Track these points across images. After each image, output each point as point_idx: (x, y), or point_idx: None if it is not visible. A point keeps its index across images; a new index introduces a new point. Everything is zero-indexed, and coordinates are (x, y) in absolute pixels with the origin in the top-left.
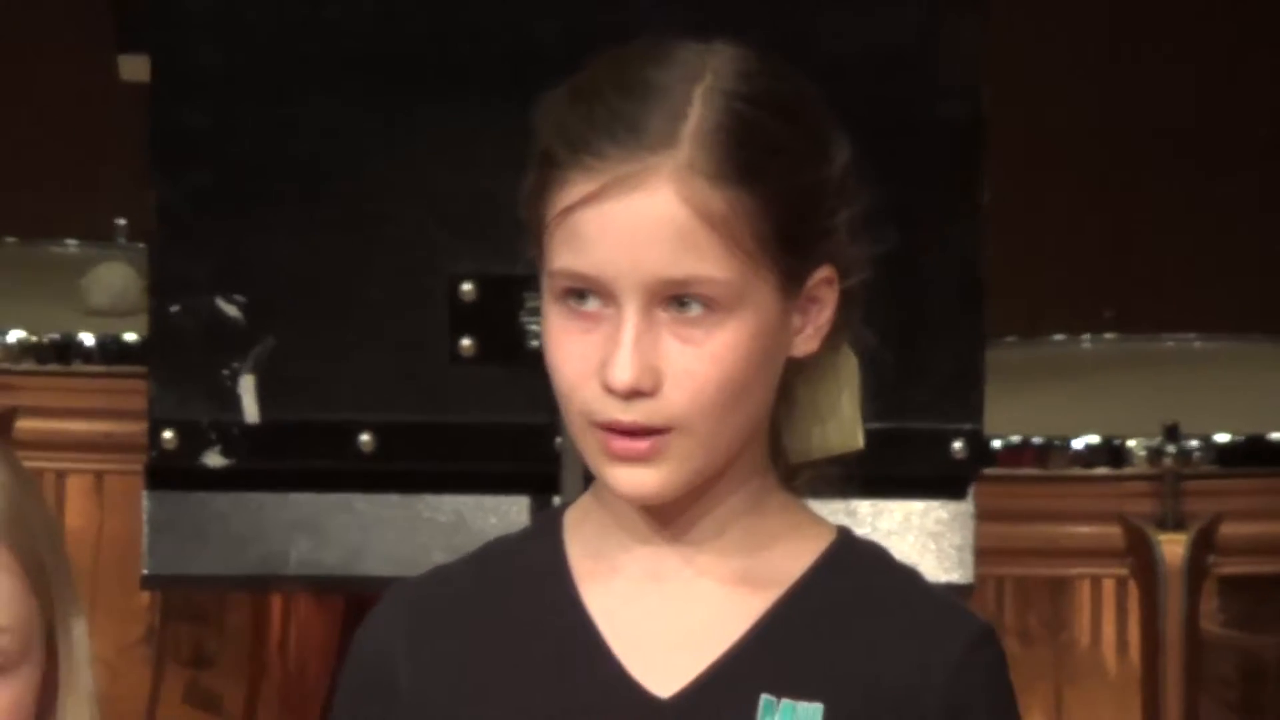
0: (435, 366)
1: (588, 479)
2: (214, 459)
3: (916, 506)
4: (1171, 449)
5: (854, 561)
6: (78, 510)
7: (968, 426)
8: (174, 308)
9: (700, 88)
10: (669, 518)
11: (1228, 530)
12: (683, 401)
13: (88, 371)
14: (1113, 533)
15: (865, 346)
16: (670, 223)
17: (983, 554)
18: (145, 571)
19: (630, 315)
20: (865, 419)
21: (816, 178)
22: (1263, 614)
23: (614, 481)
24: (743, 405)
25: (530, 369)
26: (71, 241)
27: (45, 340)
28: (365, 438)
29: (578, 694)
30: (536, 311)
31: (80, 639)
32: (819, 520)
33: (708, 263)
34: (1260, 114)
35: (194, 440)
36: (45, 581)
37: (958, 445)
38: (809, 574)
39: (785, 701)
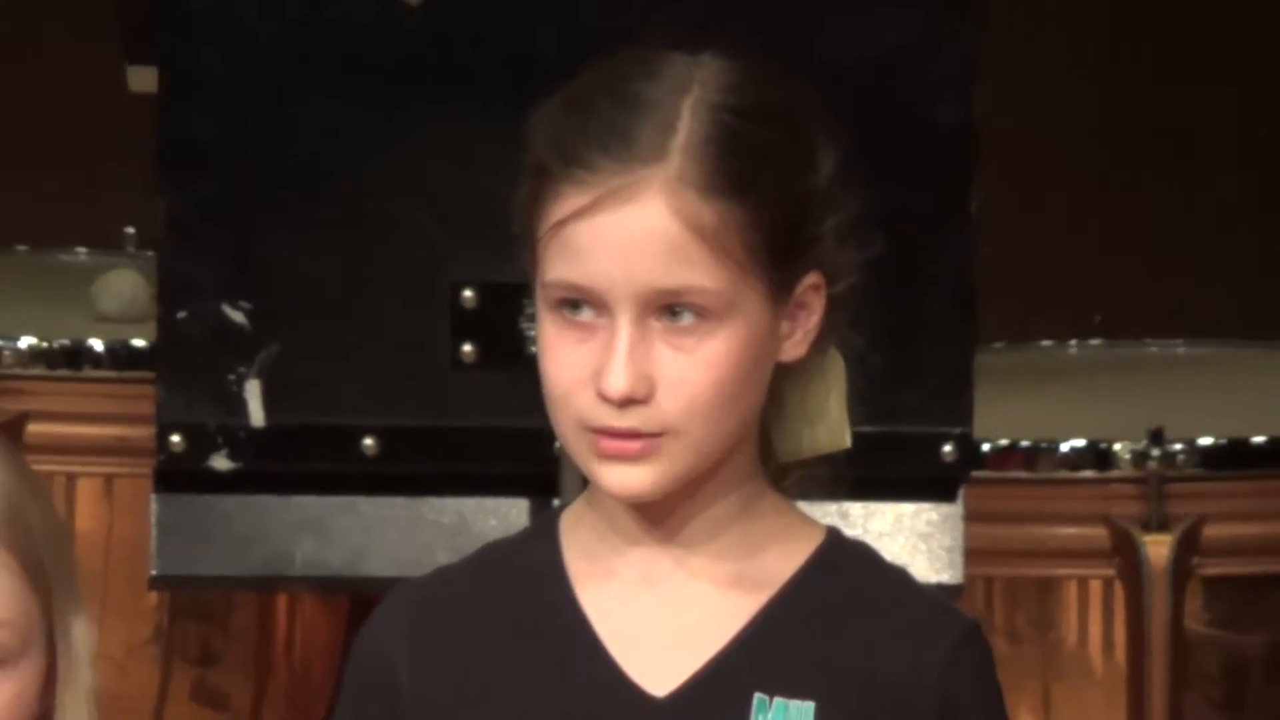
0: (437, 371)
1: (586, 481)
2: (221, 462)
3: (907, 508)
4: (1156, 452)
5: (844, 561)
6: (88, 512)
7: (958, 430)
8: (181, 314)
9: (689, 100)
10: (661, 520)
11: (1211, 532)
12: (676, 408)
13: (97, 377)
14: (1099, 534)
15: (854, 350)
16: (662, 235)
17: (972, 555)
18: (154, 572)
19: (624, 325)
20: (858, 423)
21: (804, 187)
22: (1245, 613)
23: (604, 480)
24: (734, 410)
25: (530, 374)
26: (81, 249)
27: (56, 346)
28: (369, 441)
29: (575, 694)
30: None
31: (80, 637)
32: (809, 521)
33: (699, 273)
34: (1247, 120)
35: (201, 444)
36: (45, 580)
37: (948, 448)
38: (800, 574)
39: (778, 700)
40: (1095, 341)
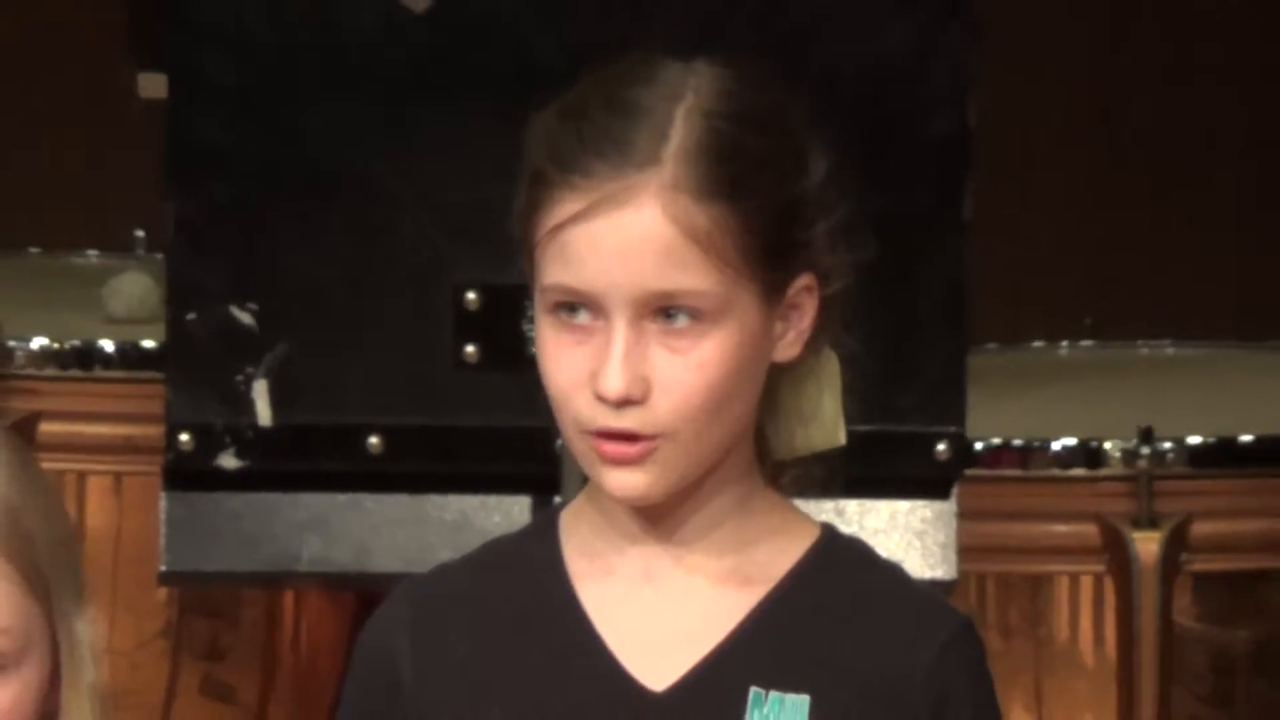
0: (441, 372)
1: (586, 479)
2: (229, 461)
3: (902, 506)
4: (1146, 451)
5: (839, 558)
6: (98, 510)
7: (951, 429)
8: (190, 316)
9: (682, 107)
10: (659, 518)
11: (1199, 529)
12: (671, 409)
13: (108, 377)
14: (1090, 531)
15: (849, 351)
16: (656, 238)
17: (965, 551)
18: (163, 568)
19: (620, 327)
20: (854, 422)
21: (796, 190)
22: (1233, 609)
23: (606, 483)
24: (728, 410)
25: (531, 375)
26: (92, 252)
27: (67, 347)
28: (374, 440)
29: (575, 688)
30: None
31: (83, 637)
32: (804, 518)
33: (692, 275)
34: (1237, 122)
35: (209, 443)
36: (45, 584)
37: (941, 447)
38: (795, 570)
39: (774, 693)
40: (1086, 343)
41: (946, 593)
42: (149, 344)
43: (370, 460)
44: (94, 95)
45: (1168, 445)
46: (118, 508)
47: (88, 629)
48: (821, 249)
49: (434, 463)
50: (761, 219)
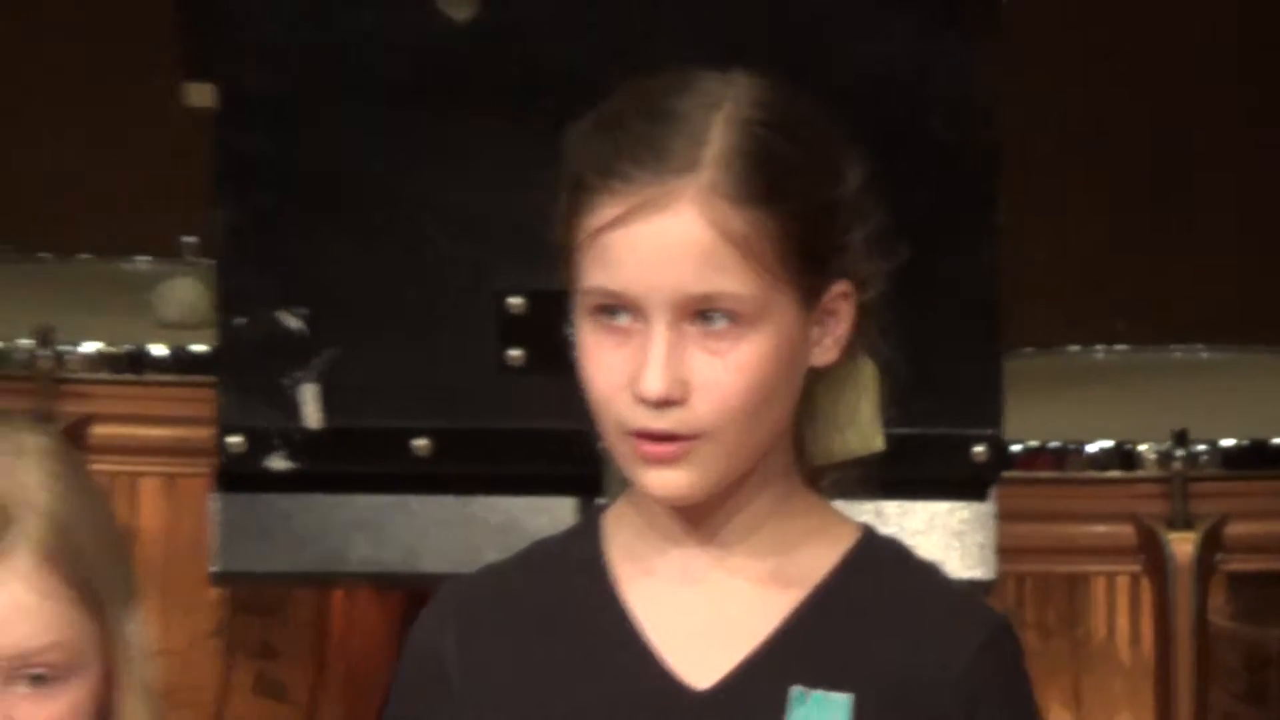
0: (485, 375)
1: (628, 482)
2: (279, 463)
3: (941, 507)
4: (1180, 453)
5: (877, 559)
6: (151, 511)
7: (988, 432)
8: (240, 320)
9: (720, 114)
10: (699, 520)
11: (1234, 529)
12: (710, 410)
13: (159, 381)
14: (1125, 532)
15: (888, 357)
16: (695, 242)
17: (1003, 552)
18: (214, 569)
19: (659, 329)
20: (894, 426)
21: (832, 197)
22: (1267, 608)
23: (646, 483)
24: (766, 412)
25: (574, 378)
26: (143, 258)
27: (119, 351)
28: (421, 442)
29: (619, 687)
30: None
31: (134, 639)
32: (843, 519)
33: (731, 279)
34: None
35: (260, 445)
36: (95, 594)
37: (979, 449)
38: (835, 571)
39: (815, 692)
40: (1120, 347)
41: (985, 593)
42: (199, 348)
43: (417, 462)
44: (142, 103)
45: (1202, 448)
46: (170, 509)
47: (139, 631)
48: (857, 255)
49: (480, 465)
50: (798, 224)
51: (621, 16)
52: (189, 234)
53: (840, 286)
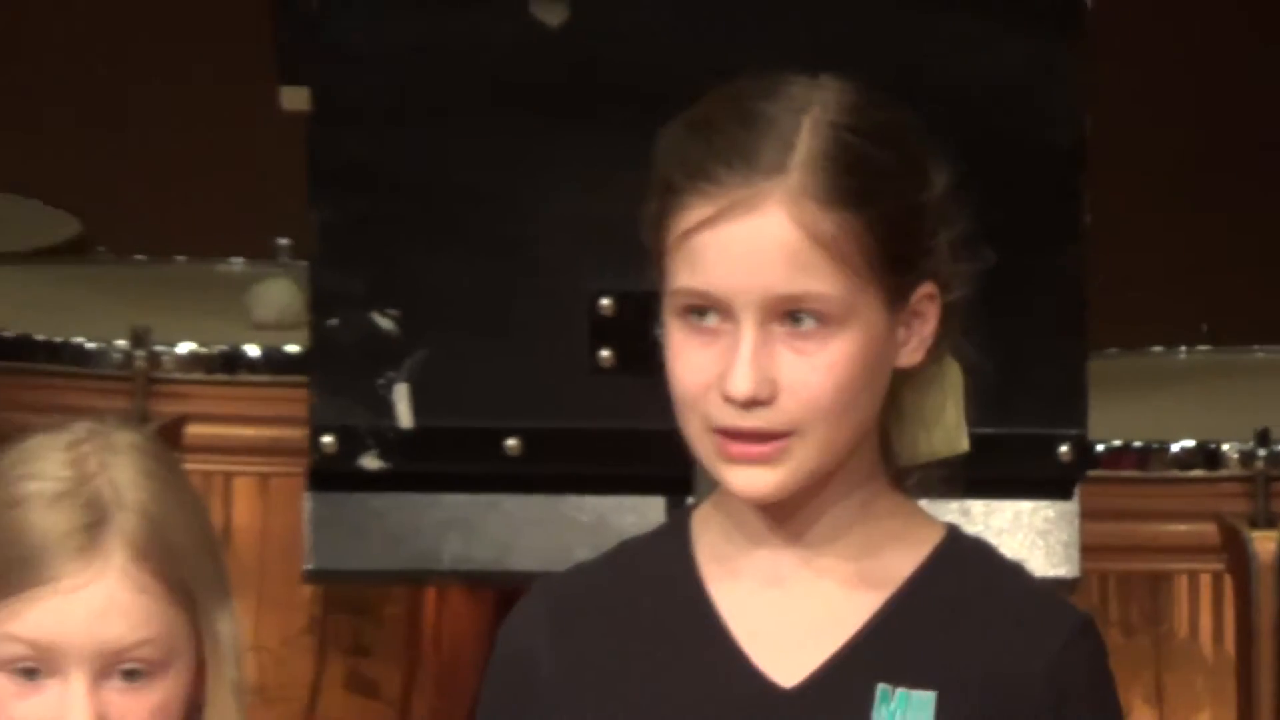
0: (576, 376)
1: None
2: (371, 462)
3: (1026, 506)
4: (1263, 452)
5: (962, 558)
6: (245, 510)
7: (1073, 432)
8: (333, 321)
9: (808, 118)
10: (785, 520)
11: None
12: (798, 409)
13: (253, 381)
14: (1208, 530)
15: (968, 358)
16: (783, 243)
17: (1087, 550)
18: (308, 566)
19: (748, 329)
20: (979, 425)
21: (918, 201)
22: None
23: (732, 482)
24: (853, 412)
25: (664, 378)
26: (237, 260)
27: (213, 352)
28: (512, 442)
29: (707, 685)
30: None
31: (226, 635)
32: (929, 519)
33: (818, 280)
34: None
35: (352, 444)
36: (187, 591)
37: (1064, 449)
38: (920, 571)
39: (900, 690)
40: (1203, 348)
41: (1069, 591)
42: (293, 349)
43: (509, 462)
44: (237, 108)
45: None
46: (263, 508)
47: (230, 627)
48: (943, 258)
49: (570, 464)
50: (884, 227)
51: (711, 21)
52: (283, 236)
53: (926, 288)
